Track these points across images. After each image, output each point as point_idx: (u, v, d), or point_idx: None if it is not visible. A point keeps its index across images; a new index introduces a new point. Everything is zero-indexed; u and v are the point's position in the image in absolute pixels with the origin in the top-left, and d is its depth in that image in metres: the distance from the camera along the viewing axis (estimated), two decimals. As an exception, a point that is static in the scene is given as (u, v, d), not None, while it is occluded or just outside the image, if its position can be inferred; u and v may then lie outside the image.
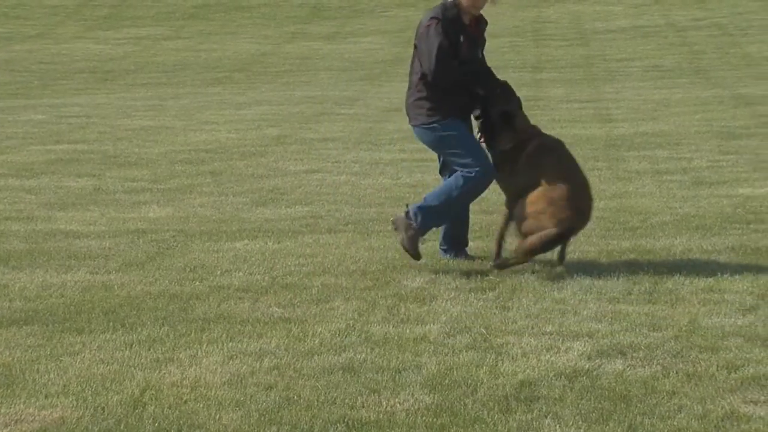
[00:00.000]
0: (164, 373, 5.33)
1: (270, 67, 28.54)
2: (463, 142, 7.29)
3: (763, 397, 4.93)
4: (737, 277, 7.05)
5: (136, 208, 9.88)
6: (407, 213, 7.21)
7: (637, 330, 5.96)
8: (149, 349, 5.71)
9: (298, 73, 27.09)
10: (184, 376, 5.29)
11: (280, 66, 28.68)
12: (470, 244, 7.70)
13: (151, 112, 18.53)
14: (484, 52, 7.57)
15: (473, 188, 7.25)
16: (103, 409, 4.87)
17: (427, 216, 7.20)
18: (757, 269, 7.25)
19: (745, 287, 6.81)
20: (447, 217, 7.36)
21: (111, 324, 6.18)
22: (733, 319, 6.14)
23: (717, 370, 5.26)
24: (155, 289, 6.96)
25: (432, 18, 7.25)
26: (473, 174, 7.19)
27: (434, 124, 7.32)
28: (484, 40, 7.55)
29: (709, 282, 6.93)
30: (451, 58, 7.22)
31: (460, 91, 7.32)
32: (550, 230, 6.95)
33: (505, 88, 7.41)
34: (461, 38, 7.27)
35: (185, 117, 17.65)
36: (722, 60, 27.35)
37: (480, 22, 7.46)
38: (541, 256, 7.63)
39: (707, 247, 7.92)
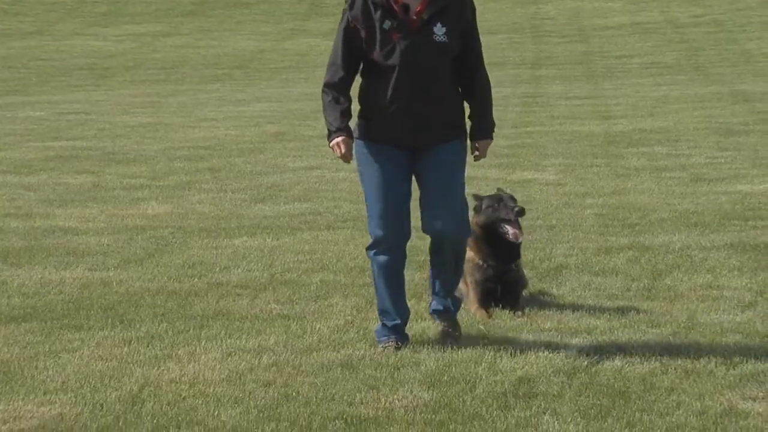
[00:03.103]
0: (163, 370, 5.32)
1: (269, 63, 28.52)
2: (368, 183, 5.54)
3: (761, 394, 4.92)
4: (736, 273, 7.05)
5: (135, 205, 9.87)
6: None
7: (636, 327, 5.95)
8: (148, 346, 5.70)
9: (296, 69, 27.07)
10: (182, 372, 5.28)
11: (279, 63, 28.66)
12: None
13: (149, 109, 18.52)
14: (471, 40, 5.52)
15: (373, 267, 5.60)
16: (101, 405, 4.86)
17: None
18: (756, 266, 7.25)
19: (743, 284, 6.80)
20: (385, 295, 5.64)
21: (110, 321, 6.17)
22: (731, 316, 6.14)
23: (715, 367, 5.26)
24: (154, 286, 6.95)
25: None
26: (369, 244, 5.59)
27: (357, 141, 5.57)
28: (462, 20, 5.48)
29: (707, 278, 6.93)
30: (345, 59, 5.43)
31: (400, 96, 5.41)
32: None
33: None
34: (381, 23, 5.41)
35: (184, 114, 17.63)
36: (721, 57, 27.34)
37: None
38: (541, 253, 7.64)
39: (706, 244, 7.91)
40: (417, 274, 7.14)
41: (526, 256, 6.33)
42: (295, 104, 18.93)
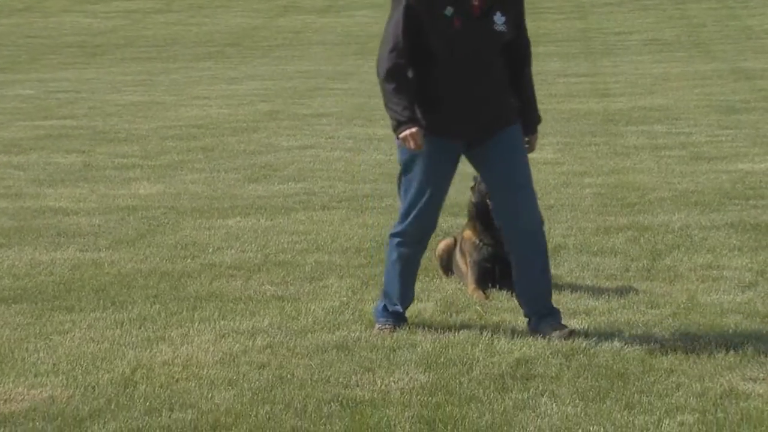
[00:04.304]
0: (155, 352, 5.26)
1: (262, 41, 28.41)
2: (414, 176, 5.39)
3: (762, 375, 4.89)
4: (736, 253, 6.99)
5: (127, 185, 9.80)
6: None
7: (635, 307, 5.90)
8: (140, 328, 5.65)
9: (290, 47, 26.97)
10: (175, 354, 5.22)
11: (273, 40, 28.54)
12: None
13: (141, 87, 18.42)
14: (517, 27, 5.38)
15: (391, 253, 5.53)
16: (93, 388, 4.81)
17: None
18: (756, 245, 7.19)
19: (743, 264, 6.74)
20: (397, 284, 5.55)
21: (101, 302, 6.11)
22: (731, 296, 6.09)
23: (715, 348, 5.21)
24: (146, 267, 6.88)
25: None
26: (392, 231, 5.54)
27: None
28: (518, 10, 5.39)
29: (707, 258, 6.87)
30: (406, 45, 5.24)
31: (461, 86, 5.29)
32: None
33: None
34: (443, 9, 5.26)
35: (176, 92, 17.54)
36: (722, 33, 27.27)
37: None
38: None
39: (706, 223, 7.85)
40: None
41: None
42: (288, 82, 18.84)
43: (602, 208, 8.51)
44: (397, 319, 5.57)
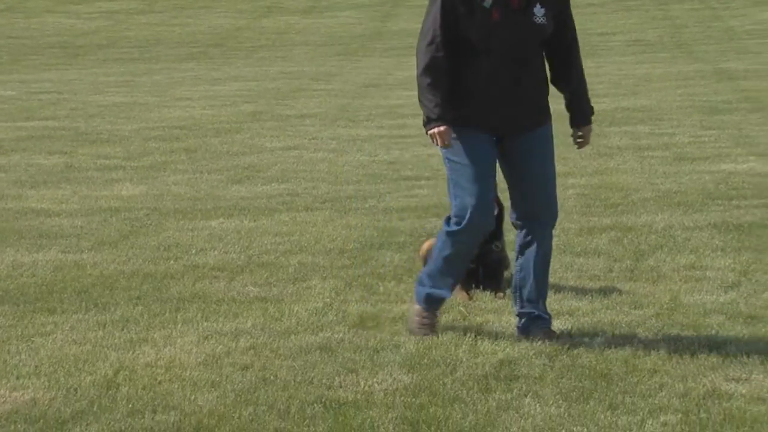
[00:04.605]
0: (138, 354, 5.24)
1: (245, 42, 28.37)
2: (460, 167, 5.32)
3: (744, 375, 4.89)
4: (719, 253, 7.00)
5: (109, 186, 9.77)
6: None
7: (618, 308, 5.91)
8: (123, 330, 5.62)
9: (274, 48, 26.94)
10: (158, 356, 5.20)
11: (256, 41, 28.51)
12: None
13: (123, 88, 18.37)
14: (565, 23, 5.37)
15: (446, 246, 5.41)
16: (75, 390, 4.78)
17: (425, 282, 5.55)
18: (739, 246, 7.21)
19: (726, 264, 6.76)
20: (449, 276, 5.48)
21: (84, 304, 6.09)
22: (714, 296, 6.10)
23: (698, 348, 5.22)
24: (129, 269, 6.86)
25: None
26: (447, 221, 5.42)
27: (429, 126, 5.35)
28: (559, 2, 5.36)
29: (690, 259, 6.88)
30: (444, 38, 5.22)
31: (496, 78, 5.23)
32: None
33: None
34: (482, 1, 5.22)
35: (159, 93, 17.49)
36: (704, 34, 27.37)
37: None
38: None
39: (689, 224, 7.87)
40: (397, 256, 7.07)
41: (507, 237, 6.25)
42: (272, 83, 18.81)
43: (586, 208, 8.52)
44: (438, 307, 5.46)
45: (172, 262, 7.03)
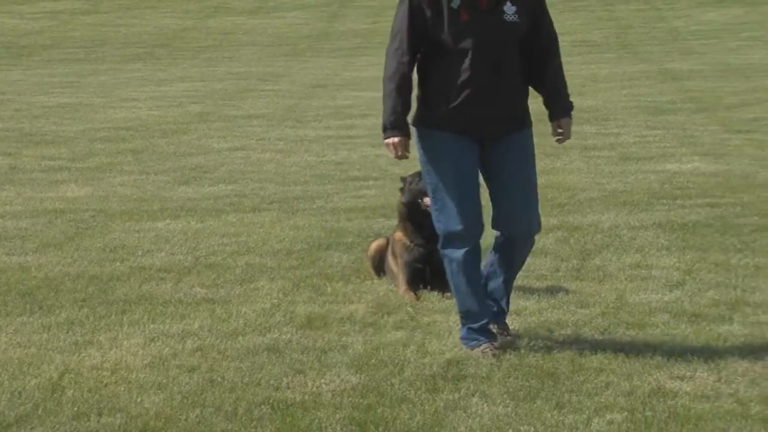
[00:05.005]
0: (84, 356, 5.20)
1: (192, 42, 28.21)
2: (439, 174, 5.19)
3: (689, 373, 4.94)
4: (664, 252, 7.07)
5: (54, 188, 9.67)
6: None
7: (565, 307, 5.94)
8: (68, 332, 5.57)
9: (221, 48, 26.82)
10: (104, 358, 5.16)
11: (203, 41, 28.36)
12: None
13: (68, 89, 18.20)
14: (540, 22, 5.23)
15: (451, 266, 5.28)
16: (20, 393, 4.74)
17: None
18: (684, 245, 7.28)
19: (671, 263, 6.82)
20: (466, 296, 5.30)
21: (28, 306, 6.02)
22: (659, 295, 6.15)
23: (644, 347, 5.27)
24: (74, 271, 6.80)
25: None
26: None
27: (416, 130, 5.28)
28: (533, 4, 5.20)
29: (636, 258, 6.94)
30: (411, 41, 5.11)
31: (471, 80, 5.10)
32: None
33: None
34: (449, 2, 5.11)
35: (104, 94, 17.35)
36: (649, 35, 27.61)
37: None
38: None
39: (634, 223, 7.93)
40: (345, 257, 7.06)
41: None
42: (219, 84, 18.72)
43: (532, 208, 8.55)
44: (487, 335, 5.21)
45: (118, 263, 6.98)
